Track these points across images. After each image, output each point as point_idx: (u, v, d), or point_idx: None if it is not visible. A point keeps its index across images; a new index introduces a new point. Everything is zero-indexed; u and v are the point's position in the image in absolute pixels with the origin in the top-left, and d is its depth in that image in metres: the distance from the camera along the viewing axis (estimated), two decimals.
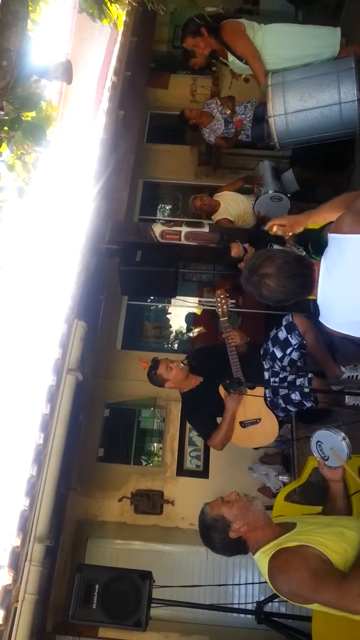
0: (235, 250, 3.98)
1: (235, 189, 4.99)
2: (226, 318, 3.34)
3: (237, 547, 2.09)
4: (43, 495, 3.13)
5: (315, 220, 2.36)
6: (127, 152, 5.31)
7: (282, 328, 3.36)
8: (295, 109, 3.67)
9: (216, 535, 2.09)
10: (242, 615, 3.59)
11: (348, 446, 2.21)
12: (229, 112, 4.68)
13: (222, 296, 3.36)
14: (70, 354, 3.47)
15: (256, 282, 2.05)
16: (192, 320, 6.72)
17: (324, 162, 4.44)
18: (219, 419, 3.44)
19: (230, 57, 3.89)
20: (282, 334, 3.34)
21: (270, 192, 4.41)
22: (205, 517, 2.14)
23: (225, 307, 3.35)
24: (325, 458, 2.26)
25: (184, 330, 7.09)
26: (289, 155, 5.14)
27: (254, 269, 2.06)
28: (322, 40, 3.75)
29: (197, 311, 6.52)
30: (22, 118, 2.19)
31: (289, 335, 3.31)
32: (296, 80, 3.69)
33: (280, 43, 3.77)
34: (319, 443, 2.29)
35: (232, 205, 4.84)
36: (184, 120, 5.01)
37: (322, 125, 3.70)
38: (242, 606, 3.40)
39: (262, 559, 2.00)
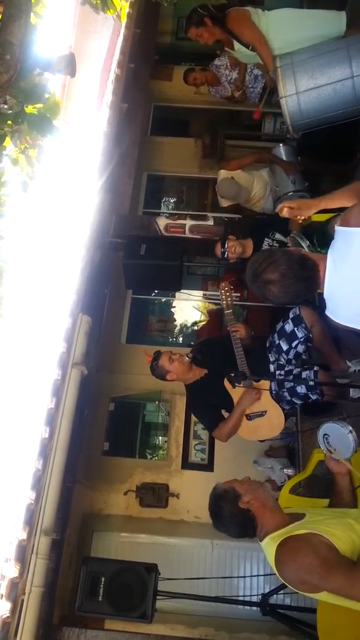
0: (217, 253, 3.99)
1: (241, 165, 4.72)
2: (230, 311, 3.33)
3: (245, 521, 2.10)
4: (49, 488, 3.16)
5: (327, 205, 2.34)
6: (131, 145, 5.28)
7: (289, 320, 3.34)
8: (307, 88, 3.57)
9: (226, 505, 2.13)
10: (248, 607, 3.59)
11: (354, 439, 2.22)
12: (236, 75, 4.77)
13: (226, 289, 3.35)
14: (75, 348, 3.48)
15: (260, 287, 2.05)
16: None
17: (329, 152, 4.40)
18: (224, 412, 3.44)
19: (237, 45, 3.85)
20: (288, 327, 3.33)
21: (290, 193, 4.29)
22: (216, 489, 2.20)
23: (229, 299, 3.34)
24: (332, 451, 2.27)
25: (189, 324, 7.08)
26: (293, 146, 5.10)
27: (257, 275, 2.05)
28: (327, 21, 3.69)
29: (202, 308, 6.52)
30: (26, 111, 2.18)
31: (295, 328, 3.29)
32: (305, 60, 3.61)
33: (284, 26, 3.73)
34: (326, 436, 2.30)
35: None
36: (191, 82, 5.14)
37: (335, 102, 3.60)
38: (248, 598, 3.40)
39: (270, 545, 2.01)
